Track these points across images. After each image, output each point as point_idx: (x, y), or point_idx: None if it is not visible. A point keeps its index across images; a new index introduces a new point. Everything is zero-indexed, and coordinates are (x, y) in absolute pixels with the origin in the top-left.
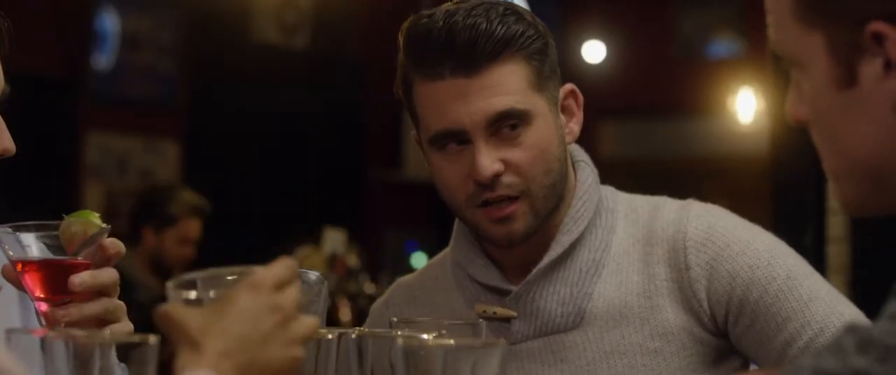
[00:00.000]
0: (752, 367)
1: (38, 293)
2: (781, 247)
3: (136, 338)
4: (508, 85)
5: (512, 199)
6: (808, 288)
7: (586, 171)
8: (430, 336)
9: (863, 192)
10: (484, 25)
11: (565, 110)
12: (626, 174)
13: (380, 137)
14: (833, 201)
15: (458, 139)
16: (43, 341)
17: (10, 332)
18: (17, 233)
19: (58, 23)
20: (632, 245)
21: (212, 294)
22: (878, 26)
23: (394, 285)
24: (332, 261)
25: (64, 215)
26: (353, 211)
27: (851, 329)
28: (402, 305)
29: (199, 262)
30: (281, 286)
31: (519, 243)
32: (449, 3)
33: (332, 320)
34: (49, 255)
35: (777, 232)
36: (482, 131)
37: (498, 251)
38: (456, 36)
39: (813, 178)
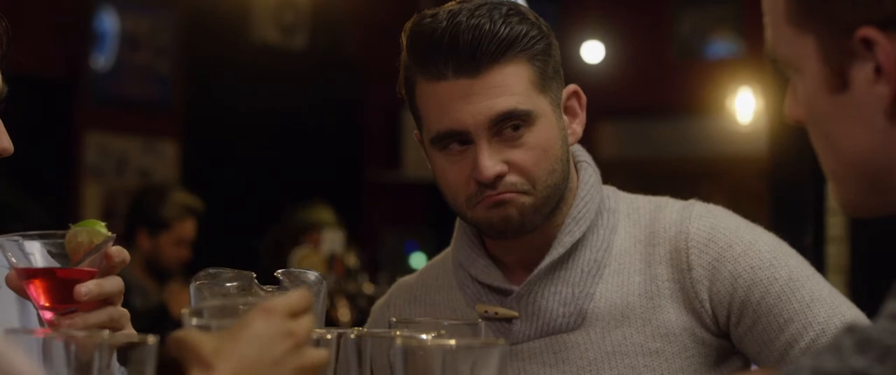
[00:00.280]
0: (753, 368)
1: (43, 302)
2: (783, 248)
3: (135, 338)
4: (511, 86)
5: (514, 194)
6: (810, 290)
7: (588, 172)
8: (429, 337)
9: (860, 193)
10: (488, 26)
11: (568, 111)
12: (625, 174)
13: (378, 138)
14: (832, 201)
15: (460, 139)
16: (43, 342)
17: (9, 333)
18: (22, 242)
19: (57, 23)
20: (633, 245)
21: (225, 322)
22: (867, 32)
23: (394, 285)
24: (331, 262)
25: (70, 224)
26: (351, 211)
27: (850, 329)
28: (402, 305)
29: (198, 263)
30: (295, 314)
31: (515, 231)
32: (452, 3)
33: (330, 320)
34: (53, 264)
35: (776, 233)
36: (485, 132)
37: (499, 250)
38: (459, 36)
39: (812, 178)
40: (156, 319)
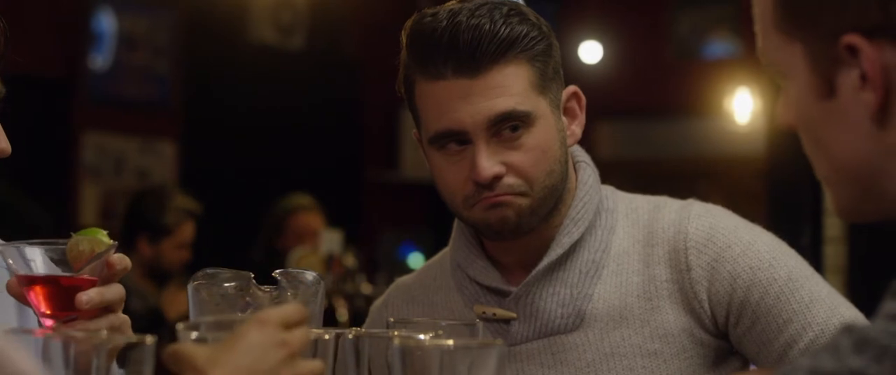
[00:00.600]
0: (752, 368)
1: (44, 309)
2: (783, 248)
3: (134, 338)
4: (511, 86)
5: (511, 196)
6: (809, 290)
7: (587, 172)
8: (427, 337)
9: (854, 198)
10: (488, 26)
11: (567, 112)
12: (623, 174)
13: (377, 138)
14: (829, 202)
15: (458, 139)
16: (42, 342)
17: (8, 332)
18: (23, 248)
19: (55, 23)
20: (632, 245)
21: (221, 335)
22: (851, 39)
23: (392, 286)
24: (329, 262)
25: (72, 233)
26: (350, 211)
27: (848, 329)
28: (400, 305)
29: (197, 264)
30: (290, 325)
31: (512, 232)
32: (453, 2)
33: (329, 320)
34: (54, 271)
35: (774, 233)
36: (483, 132)
37: (497, 251)
38: (459, 36)
39: (810, 179)
40: (151, 322)
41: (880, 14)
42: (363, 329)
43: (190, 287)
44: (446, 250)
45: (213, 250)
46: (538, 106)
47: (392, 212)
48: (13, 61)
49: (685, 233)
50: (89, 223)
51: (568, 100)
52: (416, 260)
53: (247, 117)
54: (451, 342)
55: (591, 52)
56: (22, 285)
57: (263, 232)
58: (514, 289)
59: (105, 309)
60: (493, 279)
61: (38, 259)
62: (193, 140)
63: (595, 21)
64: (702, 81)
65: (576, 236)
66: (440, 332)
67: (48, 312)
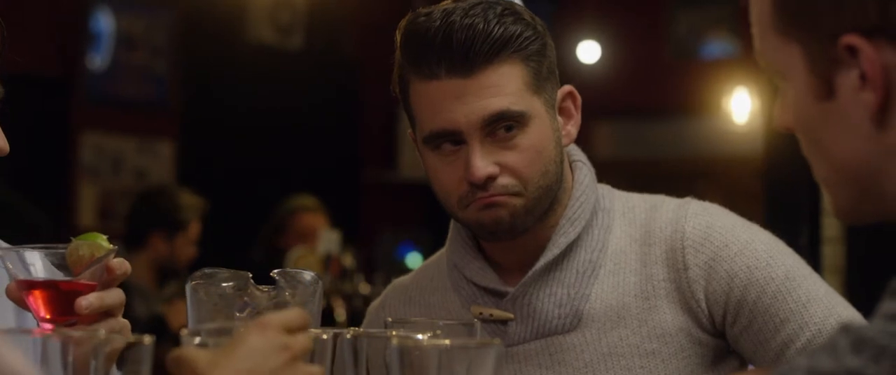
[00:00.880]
0: (750, 368)
1: (44, 314)
2: (780, 247)
3: (132, 338)
4: (505, 86)
5: (506, 197)
6: (807, 289)
7: (584, 171)
8: (426, 337)
9: (853, 200)
10: (481, 26)
11: (563, 112)
12: (621, 174)
13: (375, 138)
14: (827, 204)
15: (453, 139)
16: (40, 342)
17: (5, 333)
18: (23, 253)
19: (53, 22)
20: (629, 245)
21: (222, 341)
22: (850, 39)
23: (389, 287)
24: (328, 262)
25: (72, 237)
26: (348, 211)
27: (845, 328)
28: (397, 306)
29: (200, 262)
30: (291, 329)
31: (506, 232)
32: (447, 2)
33: (327, 320)
34: (54, 275)
35: (772, 233)
36: (477, 132)
37: (494, 251)
38: (453, 36)
39: (808, 179)
40: (154, 330)
41: (879, 15)
42: (361, 330)
43: (188, 286)
44: (443, 251)
45: (212, 250)
46: (532, 105)
47: (390, 212)
48: (11, 61)
49: (682, 232)
50: (87, 223)
51: (563, 99)
52: (414, 259)
53: (245, 117)
54: (448, 342)
55: (588, 51)
56: (21, 289)
57: (265, 231)
58: (511, 290)
59: (105, 313)
60: (490, 280)
61: (37, 263)
62: (192, 140)
63: (593, 21)
64: (700, 81)
65: (572, 236)
66: (438, 332)
67: (47, 317)
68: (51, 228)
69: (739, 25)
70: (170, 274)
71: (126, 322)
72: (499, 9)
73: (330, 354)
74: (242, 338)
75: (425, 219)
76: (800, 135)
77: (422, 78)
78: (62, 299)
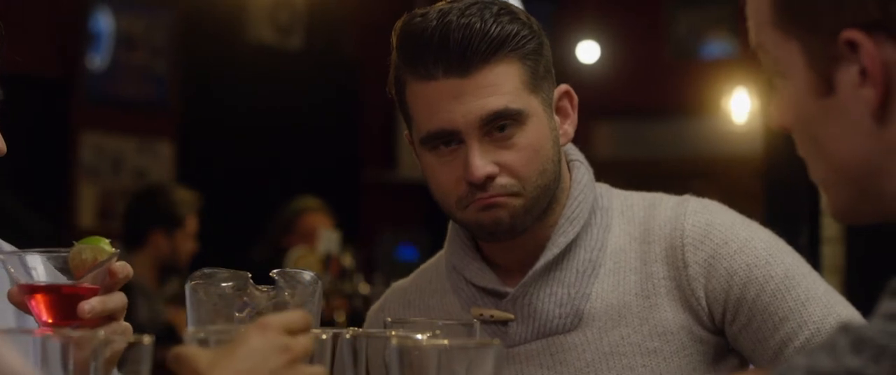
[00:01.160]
0: (750, 368)
1: (46, 318)
2: (780, 245)
3: (131, 339)
4: (502, 85)
5: (504, 197)
6: (806, 288)
7: (581, 171)
8: (425, 337)
9: (851, 199)
10: (478, 25)
11: (560, 111)
12: (621, 174)
13: (375, 138)
14: (825, 205)
15: (451, 139)
16: (40, 342)
17: (5, 333)
18: (24, 256)
19: (53, 22)
20: (628, 243)
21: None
22: (851, 34)
23: (388, 290)
24: (327, 262)
25: (74, 241)
26: (348, 211)
27: (845, 328)
28: (397, 310)
29: (199, 260)
30: (292, 331)
31: (506, 233)
32: (443, 3)
33: (327, 320)
34: (56, 279)
35: (771, 232)
36: (476, 131)
37: (493, 252)
38: (450, 35)
39: (808, 179)
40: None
41: (880, 9)
42: (361, 330)
43: (187, 286)
44: (441, 253)
45: (212, 250)
46: (530, 104)
47: (390, 212)
48: (11, 61)
49: (682, 230)
50: (87, 223)
51: (560, 98)
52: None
53: (245, 117)
54: (448, 342)
55: (588, 51)
56: (23, 293)
57: (272, 231)
58: (510, 291)
59: (107, 317)
60: (490, 280)
61: (39, 267)
62: (191, 140)
63: (592, 21)
64: (699, 81)
65: (571, 235)
66: (437, 332)
67: (50, 321)
68: (48, 233)
69: (739, 25)
70: (171, 271)
71: (128, 325)
72: (495, 8)
73: (330, 354)
74: (243, 338)
75: (425, 219)
76: (797, 134)
77: (419, 78)
78: (65, 303)
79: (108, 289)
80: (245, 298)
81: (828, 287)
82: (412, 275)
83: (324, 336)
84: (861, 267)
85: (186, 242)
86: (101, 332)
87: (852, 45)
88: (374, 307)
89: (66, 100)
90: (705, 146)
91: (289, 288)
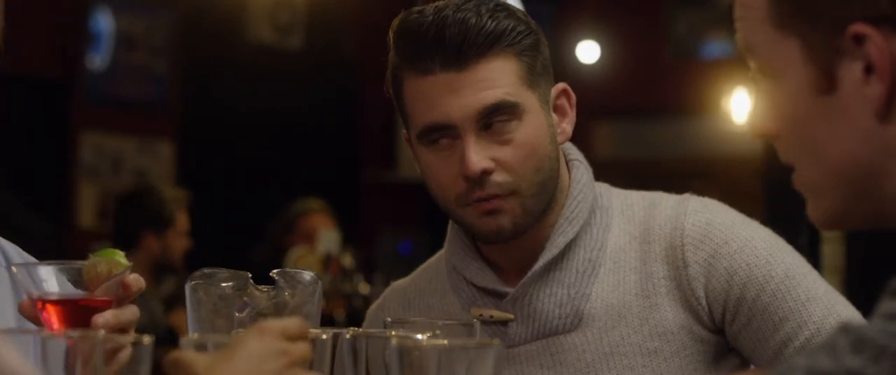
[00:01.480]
0: (752, 367)
1: (58, 329)
2: (780, 245)
3: (131, 338)
4: (498, 79)
5: (502, 198)
6: (806, 288)
7: (581, 170)
8: (425, 337)
9: (843, 202)
10: (474, 20)
11: (558, 109)
12: (620, 174)
13: (375, 138)
14: (811, 212)
15: (447, 134)
16: (40, 342)
17: (4, 333)
18: (37, 268)
19: (53, 22)
20: (628, 242)
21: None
22: (859, 28)
23: (388, 289)
24: (327, 262)
25: (89, 254)
26: (348, 211)
27: (845, 328)
28: (397, 309)
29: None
30: (291, 337)
31: (508, 239)
32: (439, 1)
33: (327, 320)
34: (69, 291)
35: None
36: (472, 125)
37: (493, 252)
38: (446, 30)
39: None
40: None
41: (890, 5)
42: (361, 330)
43: (187, 286)
44: (441, 252)
45: (212, 250)
46: (527, 100)
47: (390, 212)
48: (10, 61)
49: (681, 229)
50: (87, 223)
51: (558, 97)
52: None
53: (245, 117)
54: (448, 342)
55: (588, 51)
56: (35, 305)
57: (271, 232)
58: (510, 291)
59: (120, 330)
60: (490, 281)
61: (51, 278)
62: (191, 140)
63: (592, 21)
64: (699, 81)
65: (571, 235)
66: (437, 332)
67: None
68: (48, 233)
69: None
70: (166, 271)
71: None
72: (491, 4)
73: (329, 354)
74: (241, 342)
75: (425, 219)
76: (786, 137)
77: (416, 74)
78: (77, 314)
79: (120, 302)
80: (245, 298)
81: (828, 286)
82: (412, 275)
83: (324, 336)
84: (861, 267)
85: (179, 240)
86: (101, 332)
87: (858, 40)
88: (374, 306)
89: (66, 100)
90: (705, 146)
91: (289, 288)
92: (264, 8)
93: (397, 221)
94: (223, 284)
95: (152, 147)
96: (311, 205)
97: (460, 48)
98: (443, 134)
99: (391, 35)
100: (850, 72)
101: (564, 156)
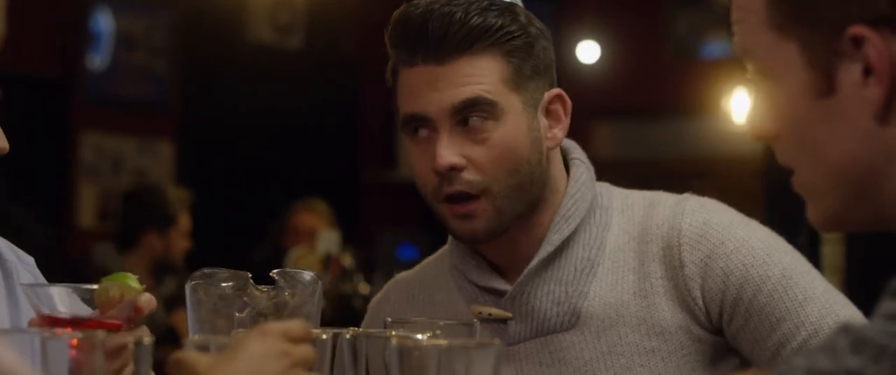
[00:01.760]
0: (752, 367)
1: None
2: (778, 244)
3: (132, 338)
4: (478, 76)
5: (472, 197)
6: (804, 288)
7: (581, 169)
8: (425, 337)
9: (843, 204)
10: (459, 15)
11: (550, 115)
12: (621, 174)
13: (375, 138)
14: (810, 214)
15: (425, 126)
16: (40, 342)
17: (5, 333)
18: (48, 289)
19: (53, 22)
20: (627, 242)
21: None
22: (857, 29)
23: (391, 281)
24: (327, 262)
25: (102, 278)
26: (348, 211)
27: (845, 328)
28: (400, 302)
29: (195, 260)
30: (293, 339)
31: (483, 241)
32: None
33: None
34: (80, 312)
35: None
36: (447, 120)
37: (490, 251)
38: (429, 23)
39: None
40: (165, 342)
41: (889, 6)
42: (361, 329)
43: (188, 286)
44: (445, 249)
45: (212, 250)
46: (508, 101)
47: (390, 212)
48: (10, 61)
49: (679, 229)
50: (87, 223)
51: (551, 102)
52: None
53: (245, 117)
54: (448, 342)
55: (588, 51)
56: (45, 325)
57: (271, 232)
58: (509, 289)
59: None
60: (489, 279)
61: (63, 299)
62: (191, 140)
63: (592, 21)
64: (699, 81)
65: (566, 233)
66: (438, 332)
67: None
68: (48, 234)
69: None
70: (166, 271)
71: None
72: (485, 3)
73: (330, 354)
74: (243, 343)
75: (425, 219)
76: (785, 139)
77: (403, 64)
78: None
79: (131, 323)
80: (245, 298)
81: (827, 286)
82: (416, 269)
83: (324, 336)
84: (861, 267)
85: (180, 240)
86: (101, 332)
87: (857, 42)
88: (376, 298)
89: (66, 100)
90: (705, 146)
91: (289, 288)
92: (264, 8)
93: (397, 221)
94: (223, 284)
95: (152, 147)
96: (310, 205)
97: (441, 42)
98: (421, 125)
99: (388, 27)
100: (849, 74)
101: (566, 155)
